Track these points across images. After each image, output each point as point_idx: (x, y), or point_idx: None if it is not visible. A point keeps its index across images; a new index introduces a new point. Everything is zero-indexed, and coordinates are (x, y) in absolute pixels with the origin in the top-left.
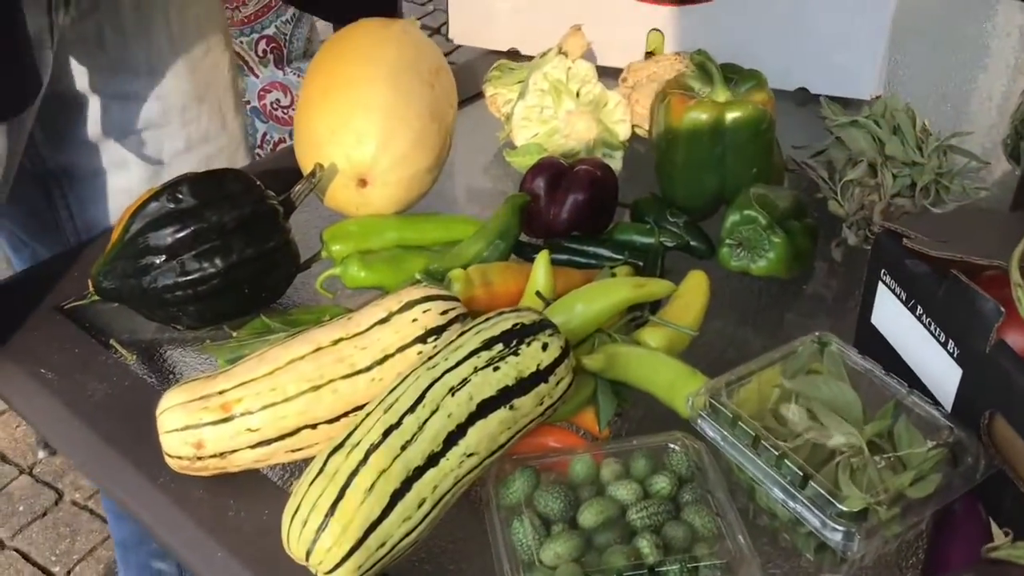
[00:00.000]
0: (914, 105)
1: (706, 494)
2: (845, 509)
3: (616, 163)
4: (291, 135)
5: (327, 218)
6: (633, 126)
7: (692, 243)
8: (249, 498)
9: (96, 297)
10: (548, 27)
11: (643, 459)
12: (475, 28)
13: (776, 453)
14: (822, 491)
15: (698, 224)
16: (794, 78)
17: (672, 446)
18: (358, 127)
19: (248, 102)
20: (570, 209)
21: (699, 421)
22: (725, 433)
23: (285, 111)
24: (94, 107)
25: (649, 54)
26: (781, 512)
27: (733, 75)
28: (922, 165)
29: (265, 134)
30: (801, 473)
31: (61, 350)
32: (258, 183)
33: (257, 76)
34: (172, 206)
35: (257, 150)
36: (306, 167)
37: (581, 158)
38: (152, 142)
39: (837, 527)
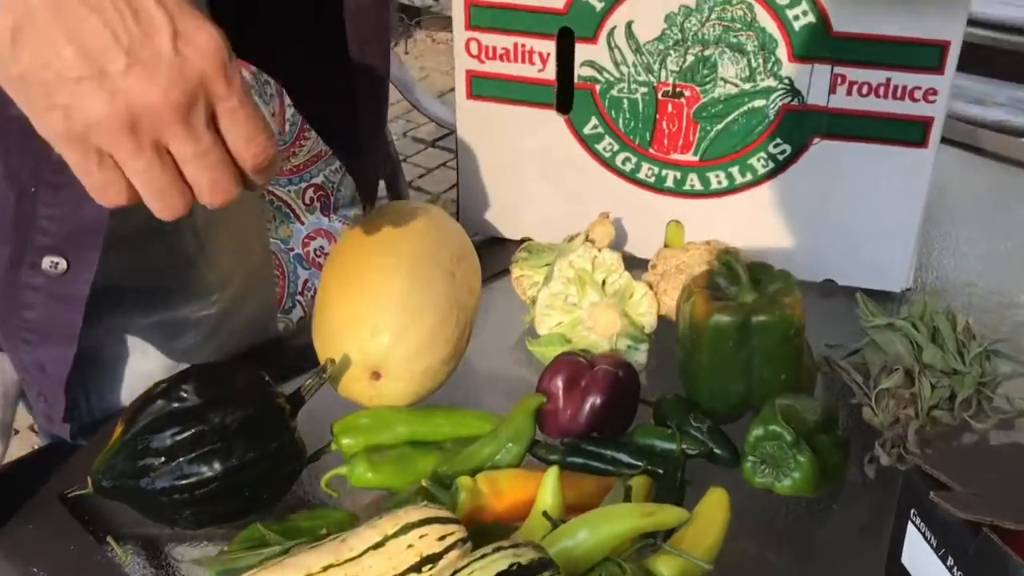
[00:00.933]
0: (955, 297)
1: None
2: None
3: (641, 356)
4: None
5: (341, 404)
6: (660, 316)
7: (716, 451)
8: None
9: (89, 492)
10: (565, 217)
11: None
12: (487, 218)
13: None
14: None
15: (723, 430)
16: (821, 269)
17: None
18: (373, 320)
19: (292, 249)
20: (588, 412)
21: None
22: None
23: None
24: (131, 296)
25: (668, 246)
26: None
27: (761, 275)
28: (963, 375)
29: (307, 281)
30: None
31: (56, 545)
32: (267, 379)
33: (303, 223)
34: (175, 405)
35: (298, 297)
36: (322, 354)
37: (603, 354)
38: (178, 327)
39: None
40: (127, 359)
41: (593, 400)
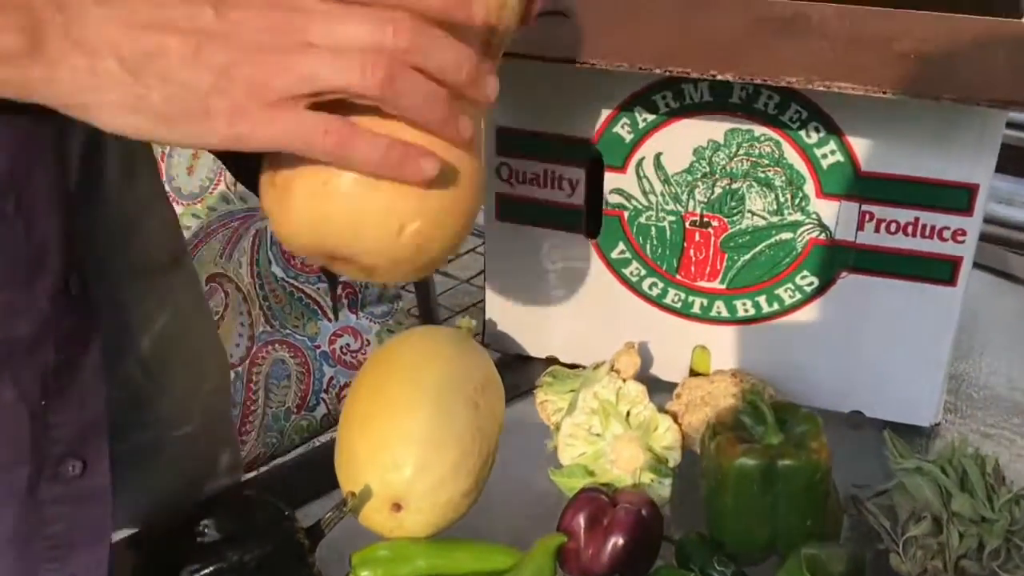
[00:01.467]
0: (986, 431)
1: None
2: None
3: (665, 491)
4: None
5: (361, 532)
6: (684, 448)
7: None
8: None
9: None
10: (591, 338)
11: None
12: (513, 336)
13: None
14: None
15: (747, 574)
16: (848, 400)
17: None
18: (395, 453)
19: (318, 346)
20: (610, 552)
21: None
22: None
23: (354, 355)
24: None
25: (695, 373)
26: None
27: (787, 416)
28: (992, 522)
29: (332, 378)
30: None
31: None
32: (287, 513)
33: (330, 320)
34: (195, 536)
35: (323, 395)
36: (344, 482)
37: (625, 489)
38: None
39: None
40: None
41: (615, 540)
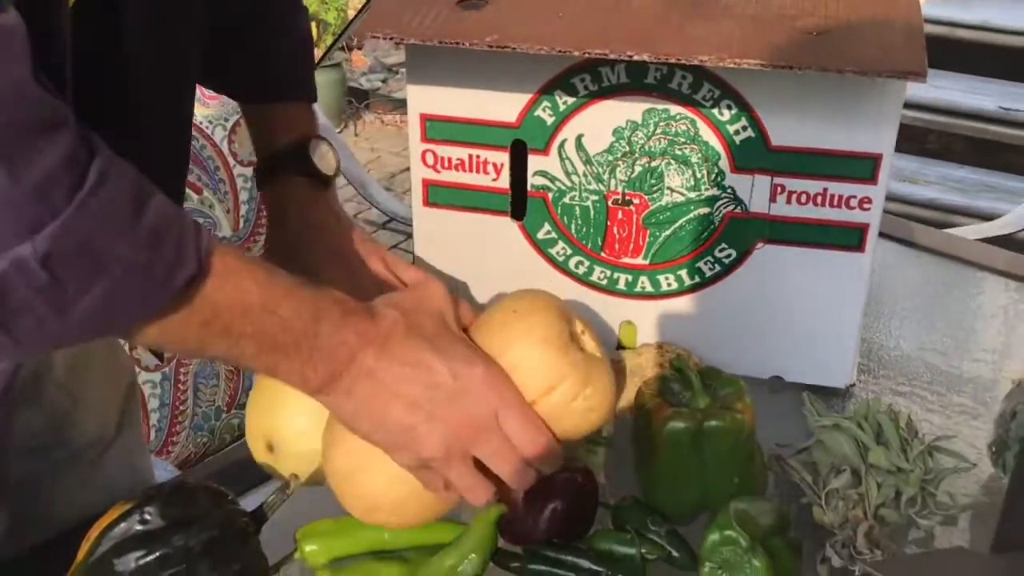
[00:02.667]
0: (897, 390)
1: None
2: None
3: (598, 459)
4: None
5: (303, 513)
6: (616, 419)
7: (675, 554)
8: None
9: None
10: None
11: None
12: None
13: None
14: None
15: (680, 533)
16: (768, 366)
17: None
18: (273, 398)
19: None
20: (549, 518)
21: None
22: None
23: None
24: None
25: (621, 347)
26: None
27: (712, 380)
28: (907, 473)
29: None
30: None
31: None
32: (230, 498)
33: None
34: (140, 528)
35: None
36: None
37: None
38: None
39: None
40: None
41: (554, 506)
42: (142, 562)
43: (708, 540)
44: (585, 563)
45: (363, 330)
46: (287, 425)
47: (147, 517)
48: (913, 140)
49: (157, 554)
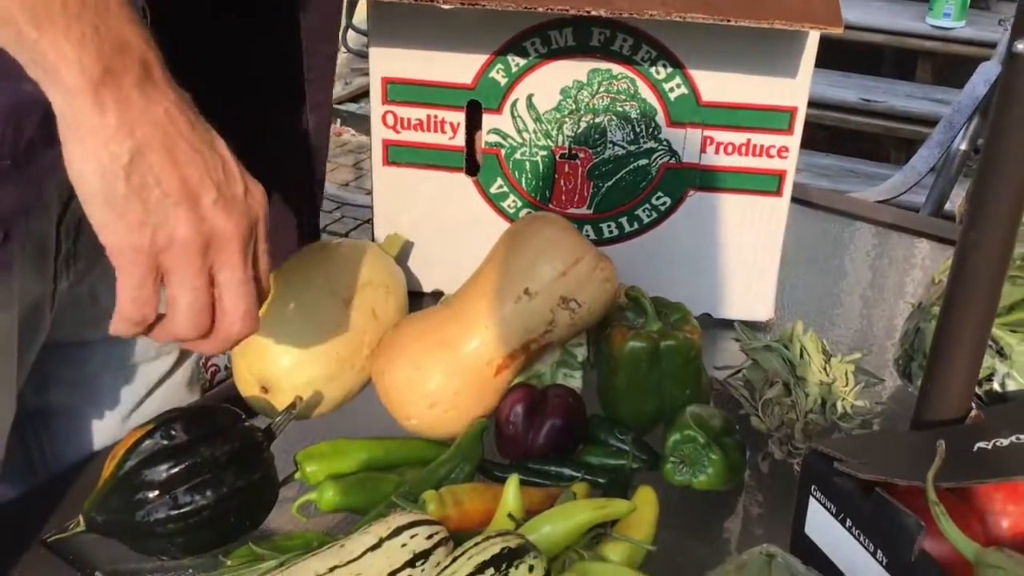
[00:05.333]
0: (808, 320)
1: None
2: None
3: (576, 382)
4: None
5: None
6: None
7: (642, 458)
8: None
9: (79, 530)
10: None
11: None
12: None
13: None
14: None
15: (643, 440)
16: (698, 305)
17: None
18: (259, 342)
19: None
20: (547, 434)
21: None
22: None
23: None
24: (81, 352)
25: None
26: None
27: (662, 308)
28: (828, 384)
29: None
30: None
31: None
32: (243, 416)
33: None
34: (166, 443)
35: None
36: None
37: (550, 385)
38: (127, 379)
39: None
40: (81, 414)
41: (553, 423)
42: (173, 471)
43: (670, 440)
44: (566, 471)
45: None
46: (275, 365)
47: (172, 433)
48: (829, 139)
49: (186, 464)
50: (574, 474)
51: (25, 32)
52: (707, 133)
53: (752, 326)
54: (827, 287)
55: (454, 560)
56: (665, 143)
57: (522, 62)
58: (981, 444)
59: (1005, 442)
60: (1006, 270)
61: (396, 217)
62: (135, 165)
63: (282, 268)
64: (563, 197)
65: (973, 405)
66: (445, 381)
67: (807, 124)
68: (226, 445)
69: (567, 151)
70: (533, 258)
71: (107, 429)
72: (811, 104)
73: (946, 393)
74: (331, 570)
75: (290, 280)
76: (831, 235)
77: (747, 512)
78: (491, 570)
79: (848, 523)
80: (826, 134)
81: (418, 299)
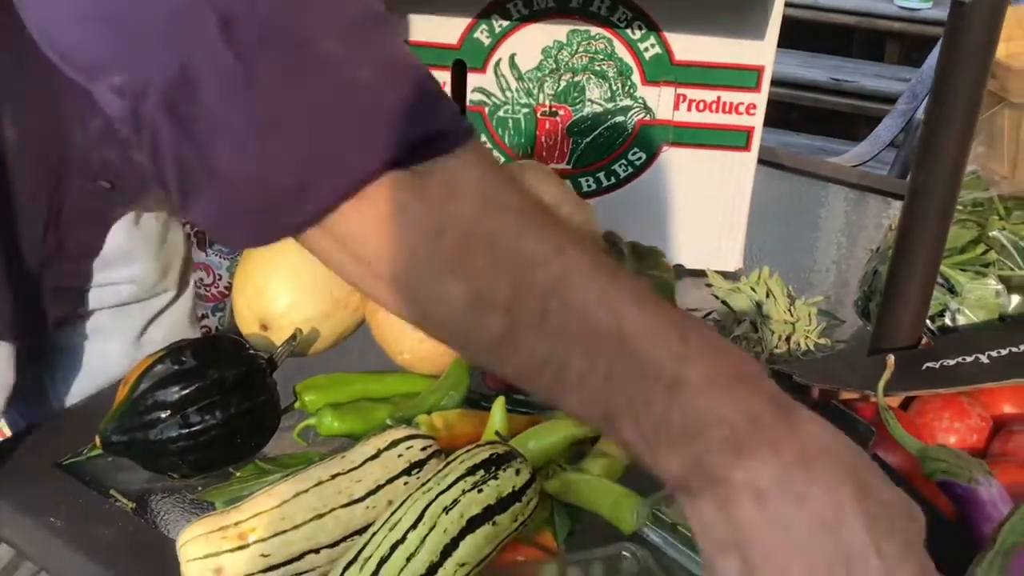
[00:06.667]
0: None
1: None
2: None
3: None
4: (213, 311)
5: (295, 372)
6: None
7: None
8: None
9: (93, 453)
10: None
11: (600, 565)
12: None
13: None
14: None
15: None
16: (671, 256)
17: (624, 553)
18: (257, 282)
19: None
20: None
21: (644, 529)
22: (667, 536)
23: (207, 288)
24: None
25: None
26: None
27: (637, 251)
28: (793, 323)
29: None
30: None
31: (65, 502)
32: (247, 345)
33: None
34: (176, 367)
35: None
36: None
37: None
38: (129, 315)
39: None
40: (85, 347)
41: None
42: (184, 392)
43: None
44: None
45: (757, 410)
46: (273, 304)
47: (183, 359)
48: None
49: (196, 386)
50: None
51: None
52: (680, 91)
53: (722, 276)
54: (794, 243)
55: (447, 464)
56: (640, 100)
57: (505, 23)
58: (929, 364)
59: (951, 362)
60: (953, 208)
61: None
62: (730, 557)
63: None
64: (544, 153)
65: (924, 336)
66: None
67: (779, 104)
68: (232, 370)
69: (548, 109)
70: None
71: (114, 362)
72: (783, 84)
73: (899, 323)
74: (333, 477)
75: None
76: (798, 195)
77: None
78: (481, 472)
79: None
80: (798, 114)
81: None
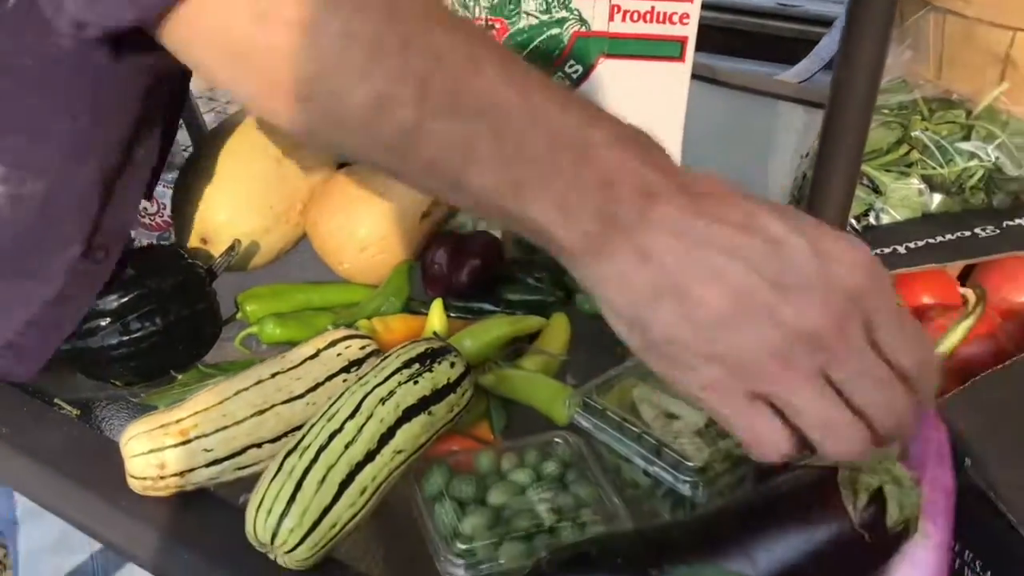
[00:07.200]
0: None
1: (586, 473)
2: (691, 466)
3: (497, 232)
4: (158, 240)
5: (235, 285)
6: None
7: (557, 294)
8: (203, 512)
9: None
10: None
11: (534, 450)
12: None
13: (637, 431)
14: (674, 455)
15: (557, 277)
16: None
17: (557, 440)
18: (196, 197)
19: None
20: (469, 273)
21: (576, 416)
22: (597, 423)
23: (152, 218)
24: None
25: None
26: (643, 481)
27: None
28: None
29: (134, 240)
30: (656, 444)
31: (10, 411)
32: (186, 254)
33: None
34: (116, 275)
35: None
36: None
37: (471, 231)
38: None
39: (687, 479)
40: None
41: (472, 263)
42: (123, 300)
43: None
44: (487, 306)
45: (664, 165)
46: (214, 218)
47: (122, 267)
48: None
49: (134, 294)
50: (494, 309)
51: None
52: (614, 2)
53: None
54: (732, 156)
55: (383, 359)
56: (576, 12)
57: None
58: None
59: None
60: (873, 103)
61: None
62: (661, 296)
63: (219, 130)
64: None
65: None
66: (374, 227)
67: (725, 31)
68: (171, 278)
69: (484, 22)
70: None
71: None
72: (728, 10)
73: (823, 220)
74: (273, 375)
75: (225, 141)
76: (737, 111)
77: None
78: (416, 365)
79: None
80: (744, 40)
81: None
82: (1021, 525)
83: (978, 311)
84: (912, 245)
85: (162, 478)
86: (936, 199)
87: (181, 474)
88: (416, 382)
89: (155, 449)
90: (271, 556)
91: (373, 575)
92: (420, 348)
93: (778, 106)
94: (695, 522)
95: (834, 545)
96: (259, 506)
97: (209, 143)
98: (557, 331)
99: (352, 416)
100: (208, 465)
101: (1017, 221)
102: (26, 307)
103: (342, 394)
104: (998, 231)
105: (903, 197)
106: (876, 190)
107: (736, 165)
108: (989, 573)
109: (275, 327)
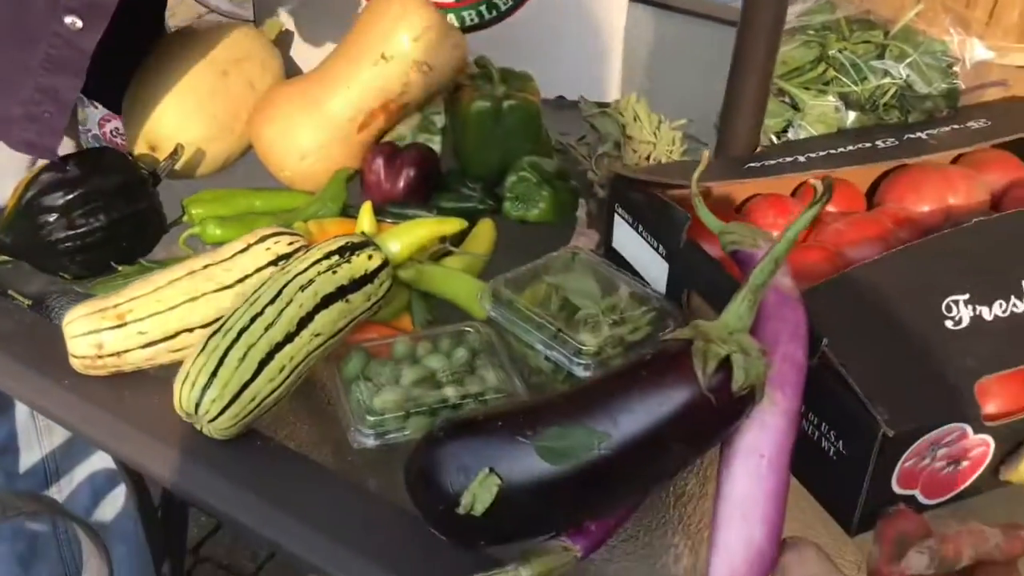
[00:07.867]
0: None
1: (494, 359)
2: (585, 350)
3: (436, 146)
4: None
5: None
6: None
7: (488, 202)
8: (139, 389)
9: None
10: None
11: (447, 339)
12: None
13: (539, 321)
14: (571, 341)
15: (490, 188)
16: (553, 88)
17: (469, 329)
18: (144, 104)
19: (90, 130)
20: (404, 181)
21: (487, 307)
22: (505, 313)
23: (123, 136)
24: None
25: None
26: (545, 367)
27: (508, 76)
28: (654, 144)
29: None
30: (556, 331)
31: None
32: (130, 157)
33: (96, 107)
34: (61, 175)
35: None
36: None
37: (409, 143)
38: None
39: (581, 362)
40: None
41: (408, 172)
42: (68, 198)
43: (508, 181)
44: (422, 213)
45: None
46: (160, 125)
47: (67, 168)
48: None
49: (79, 191)
50: (427, 215)
51: None
52: None
53: (601, 107)
54: (673, 77)
55: (308, 250)
56: None
57: None
58: (751, 164)
59: (772, 162)
60: (782, 22)
61: (274, 7)
62: None
63: (166, 40)
64: None
65: (761, 148)
66: (313, 135)
67: None
68: (115, 178)
69: None
70: (389, 26)
71: None
72: None
73: (736, 132)
74: (205, 267)
75: (174, 52)
76: (679, 34)
77: (577, 242)
78: (336, 256)
79: (640, 228)
80: None
81: None
82: (867, 399)
83: (823, 201)
84: (812, 155)
85: (100, 357)
86: (851, 116)
87: (118, 354)
88: (335, 272)
89: (93, 331)
90: (197, 426)
91: (290, 446)
92: (341, 242)
93: (723, 30)
94: (570, 391)
95: (685, 407)
96: (184, 379)
97: (158, 55)
98: (483, 235)
99: (272, 301)
100: (143, 347)
101: (918, 134)
102: (28, 74)
103: (265, 282)
104: (897, 143)
105: (820, 114)
106: (795, 107)
107: (678, 88)
108: (841, 442)
109: (216, 228)
